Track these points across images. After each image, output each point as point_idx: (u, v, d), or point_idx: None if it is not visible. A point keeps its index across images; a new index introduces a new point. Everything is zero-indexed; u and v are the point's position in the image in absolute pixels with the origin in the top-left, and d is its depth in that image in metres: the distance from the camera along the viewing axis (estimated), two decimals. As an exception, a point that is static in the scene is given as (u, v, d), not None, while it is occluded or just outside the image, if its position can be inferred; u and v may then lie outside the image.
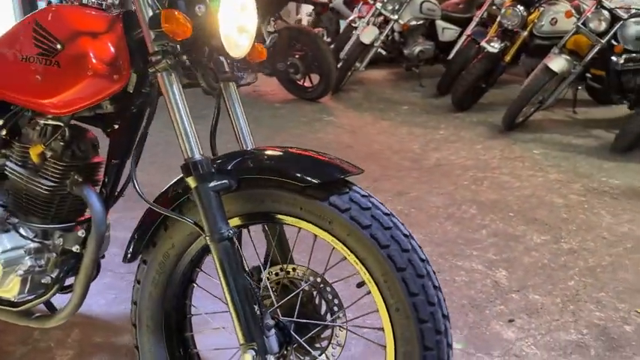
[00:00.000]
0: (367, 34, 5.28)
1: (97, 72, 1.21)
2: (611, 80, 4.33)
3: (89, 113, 1.32)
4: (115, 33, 1.25)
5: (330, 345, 1.24)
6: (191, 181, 1.13)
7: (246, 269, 1.23)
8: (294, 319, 1.21)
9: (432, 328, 1.08)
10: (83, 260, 1.37)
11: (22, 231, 1.39)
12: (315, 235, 1.19)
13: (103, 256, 1.48)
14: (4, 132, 1.41)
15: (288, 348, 1.21)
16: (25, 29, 1.30)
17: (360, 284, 1.19)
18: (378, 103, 5.31)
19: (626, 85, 4.27)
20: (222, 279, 1.14)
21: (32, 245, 1.38)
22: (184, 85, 1.21)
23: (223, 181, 1.15)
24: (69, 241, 1.41)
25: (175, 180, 1.25)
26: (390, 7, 5.45)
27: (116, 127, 1.36)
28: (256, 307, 1.16)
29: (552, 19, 4.56)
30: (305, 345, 1.21)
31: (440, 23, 5.91)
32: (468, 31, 5.49)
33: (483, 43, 4.62)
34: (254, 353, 1.13)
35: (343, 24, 6.62)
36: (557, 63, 3.97)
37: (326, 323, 1.22)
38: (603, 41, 3.97)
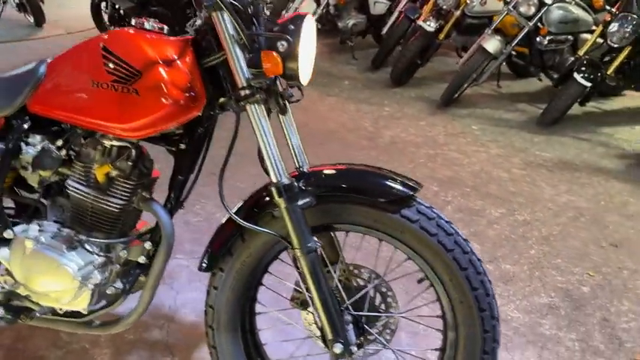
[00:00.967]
0: (306, 8, 5.36)
1: (175, 100, 1.28)
2: (534, 57, 4.82)
3: (156, 134, 1.39)
4: (189, 60, 1.32)
5: (390, 332, 1.45)
6: (281, 202, 1.26)
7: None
8: (365, 313, 1.40)
9: (489, 315, 1.32)
10: (152, 269, 1.46)
11: (87, 246, 1.44)
12: (380, 241, 1.38)
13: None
14: (63, 152, 1.44)
15: (361, 338, 1.40)
16: (92, 54, 1.32)
17: (420, 280, 1.40)
18: (320, 78, 5.44)
19: (547, 62, 4.79)
20: (311, 285, 1.30)
21: (99, 260, 1.44)
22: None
23: (307, 200, 1.29)
24: (134, 252, 1.48)
25: (254, 196, 1.37)
26: (326, -19, 5.56)
27: (182, 146, 1.43)
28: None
29: (483, 0, 4.90)
30: (375, 334, 1.41)
31: (371, -3, 6.09)
32: (401, 6, 5.72)
33: (420, 22, 4.88)
34: (342, 345, 1.32)
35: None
36: (492, 44, 4.32)
37: (394, 314, 1.42)
38: (531, 24, 4.37)
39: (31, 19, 6.33)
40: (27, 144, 1.43)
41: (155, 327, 1.95)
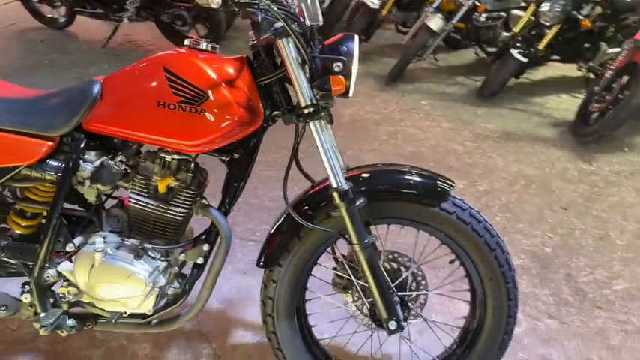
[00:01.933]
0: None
1: (240, 118, 1.40)
2: (470, 33, 5.16)
3: None
4: (246, 78, 1.44)
5: (421, 307, 1.68)
6: (342, 205, 1.44)
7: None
8: (407, 293, 1.63)
9: (512, 287, 1.58)
10: (212, 269, 1.59)
11: (150, 253, 1.54)
12: (418, 231, 1.60)
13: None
14: (123, 167, 1.52)
15: (406, 314, 1.63)
16: (154, 75, 1.40)
17: (452, 261, 1.64)
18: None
19: (482, 37, 5.17)
20: (369, 274, 1.50)
21: (162, 264, 1.55)
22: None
23: (361, 200, 1.47)
24: (192, 255, 1.60)
25: (310, 198, 1.53)
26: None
27: (236, 156, 1.55)
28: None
29: (421, -22, 5.16)
30: (417, 311, 1.64)
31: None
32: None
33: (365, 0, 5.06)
34: (395, 322, 1.54)
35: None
36: (435, 22, 4.60)
37: (431, 291, 1.65)
38: (470, 2, 4.68)
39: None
40: (84, 161, 1.49)
41: (185, 318, 2.07)
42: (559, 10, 4.26)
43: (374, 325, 1.65)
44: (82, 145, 1.48)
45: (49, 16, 5.71)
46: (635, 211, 3.11)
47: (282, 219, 1.58)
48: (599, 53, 4.63)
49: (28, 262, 1.56)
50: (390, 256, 1.66)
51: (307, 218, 1.51)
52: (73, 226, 1.61)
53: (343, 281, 1.68)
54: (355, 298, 1.68)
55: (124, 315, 1.61)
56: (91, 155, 1.49)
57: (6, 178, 1.47)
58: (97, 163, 1.49)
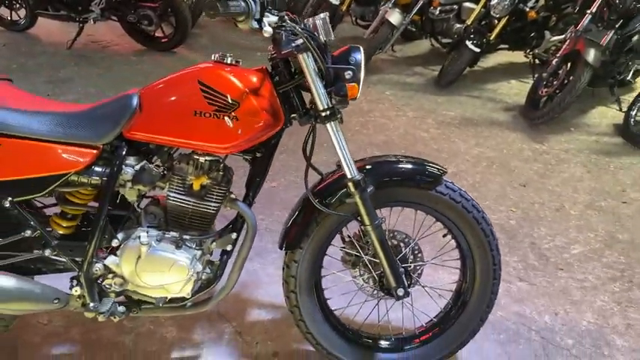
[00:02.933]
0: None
1: (266, 122, 1.63)
2: (426, 25, 5.49)
3: None
4: (268, 87, 1.67)
5: (419, 275, 1.96)
6: (356, 193, 1.69)
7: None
8: (409, 264, 1.90)
9: (496, 253, 1.89)
10: (240, 254, 1.81)
11: (188, 244, 1.75)
12: (416, 211, 1.88)
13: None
14: (161, 169, 1.72)
15: (410, 282, 1.90)
16: (189, 87, 1.60)
17: (445, 235, 1.93)
18: (231, 50, 5.59)
19: (437, 29, 5.50)
20: (379, 250, 1.76)
21: (198, 252, 1.77)
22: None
23: (371, 188, 1.73)
24: (222, 243, 1.82)
25: (325, 188, 1.77)
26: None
27: (258, 155, 1.78)
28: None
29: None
30: (417, 279, 1.91)
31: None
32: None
33: (325, -4, 5.30)
34: (403, 289, 1.81)
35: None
36: (395, 17, 4.90)
37: (428, 262, 1.93)
38: (425, -3, 5.00)
39: None
40: (125, 165, 1.68)
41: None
42: (507, 2, 4.63)
43: (381, 294, 1.91)
44: (124, 152, 1.66)
45: (8, 18, 5.65)
46: (584, 185, 3.51)
47: (301, 208, 1.82)
48: (544, 41, 5.05)
49: (77, 259, 1.74)
50: (391, 235, 1.93)
51: (325, 205, 1.76)
52: (112, 224, 1.80)
53: (352, 258, 1.94)
54: (362, 272, 1.94)
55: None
56: (131, 160, 1.68)
57: (57, 184, 1.64)
58: (137, 167, 1.68)
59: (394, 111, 4.47)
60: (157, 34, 5.44)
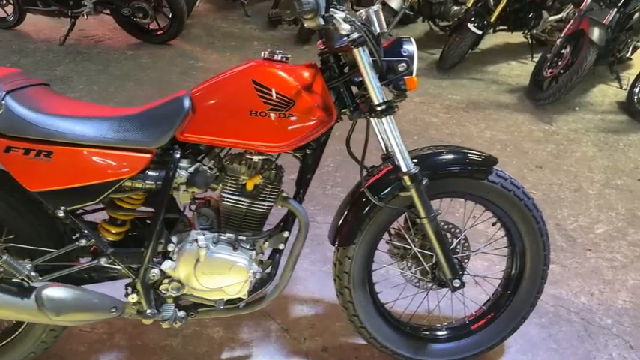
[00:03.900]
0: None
1: (320, 118, 1.61)
2: (424, 9, 5.46)
3: None
4: (320, 83, 1.64)
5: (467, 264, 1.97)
6: (412, 186, 1.68)
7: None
8: (461, 255, 1.90)
9: (547, 240, 1.90)
10: (292, 252, 1.80)
11: (243, 245, 1.73)
12: (465, 201, 1.88)
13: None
14: (214, 170, 1.68)
15: (462, 272, 1.90)
16: (243, 87, 1.57)
17: (494, 224, 1.93)
18: (227, 41, 5.58)
19: (435, 12, 5.47)
20: (435, 241, 1.75)
21: (253, 252, 1.75)
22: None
23: (425, 180, 1.72)
24: (274, 242, 1.80)
25: (379, 181, 1.76)
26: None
27: (308, 151, 1.75)
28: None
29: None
30: (465, 268, 1.92)
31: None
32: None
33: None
34: (459, 280, 1.81)
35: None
36: (396, 2, 4.88)
37: (478, 251, 1.94)
38: (424, -19, 4.97)
39: None
40: (179, 168, 1.64)
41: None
42: (508, -16, 4.63)
43: (431, 286, 1.92)
44: (178, 156, 1.63)
45: (-4, 16, 5.48)
46: (598, 163, 3.55)
47: (352, 203, 1.80)
48: (542, 21, 5.07)
49: (132, 265, 1.71)
50: (443, 226, 1.93)
51: (379, 199, 1.75)
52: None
53: (400, 251, 1.94)
54: (409, 264, 1.94)
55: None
56: (184, 163, 1.65)
57: (111, 190, 1.60)
58: (191, 170, 1.65)
59: (400, 97, 4.45)
60: (151, 27, 5.33)
